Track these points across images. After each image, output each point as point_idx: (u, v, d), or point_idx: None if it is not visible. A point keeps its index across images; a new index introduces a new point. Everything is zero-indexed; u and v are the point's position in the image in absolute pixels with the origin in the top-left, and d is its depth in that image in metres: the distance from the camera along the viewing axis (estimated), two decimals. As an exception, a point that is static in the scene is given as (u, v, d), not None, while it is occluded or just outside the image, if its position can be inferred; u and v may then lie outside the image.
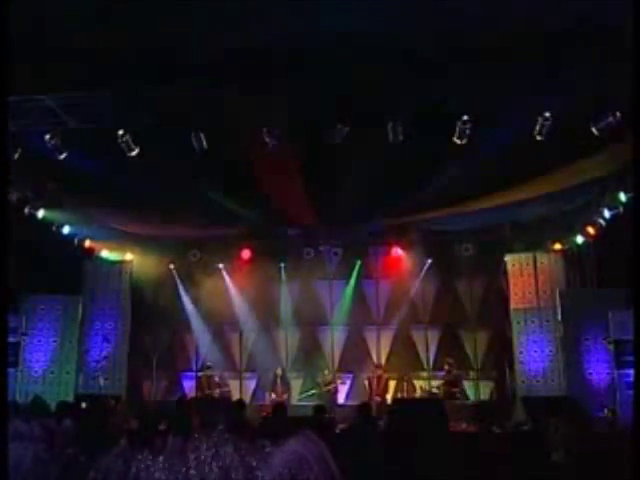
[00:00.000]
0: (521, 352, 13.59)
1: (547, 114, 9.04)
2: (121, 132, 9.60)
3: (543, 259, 14.04)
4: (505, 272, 14.27)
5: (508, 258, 14.23)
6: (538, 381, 13.37)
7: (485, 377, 15.16)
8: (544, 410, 9.81)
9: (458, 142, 9.49)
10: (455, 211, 12.50)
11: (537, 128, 9.22)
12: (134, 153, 9.79)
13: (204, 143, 9.70)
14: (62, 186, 11.55)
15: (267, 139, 9.56)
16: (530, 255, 14.09)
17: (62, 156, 9.91)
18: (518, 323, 13.75)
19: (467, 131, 9.34)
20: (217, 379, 14.82)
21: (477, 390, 15.08)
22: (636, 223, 6.24)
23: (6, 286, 5.07)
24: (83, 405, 10.12)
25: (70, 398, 12.29)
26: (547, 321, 13.57)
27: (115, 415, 10.43)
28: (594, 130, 9.02)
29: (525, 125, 9.27)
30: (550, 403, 11.75)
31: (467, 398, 14.54)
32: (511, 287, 14.02)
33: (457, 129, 9.38)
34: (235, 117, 9.24)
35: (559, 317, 13.12)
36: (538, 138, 9.29)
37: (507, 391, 13.99)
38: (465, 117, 9.22)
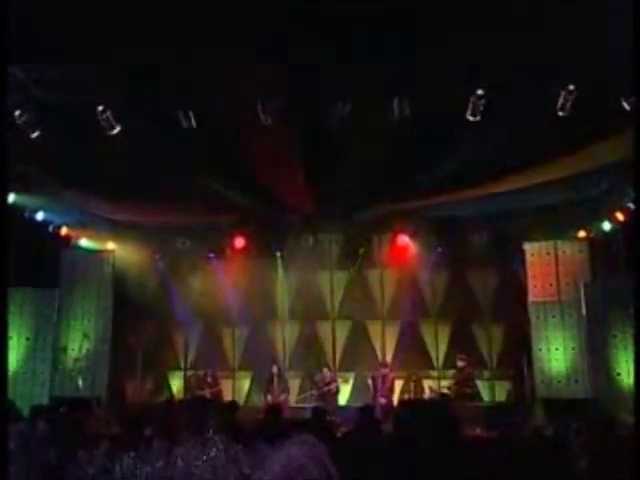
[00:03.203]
0: (540, 349, 13.56)
1: (571, 87, 8.90)
2: (101, 108, 9.54)
3: (566, 248, 13.95)
4: (523, 262, 14.23)
5: (527, 247, 14.14)
6: (559, 382, 13.34)
7: (501, 377, 15.20)
8: (566, 413, 9.80)
9: (471, 119, 9.40)
10: (467, 195, 12.42)
11: (560, 103, 9.09)
12: (115, 131, 9.74)
13: (193, 121, 9.64)
14: (35, 168, 11.46)
15: (262, 116, 9.52)
16: (551, 244, 14.00)
17: (34, 134, 9.86)
18: (537, 318, 13.70)
19: (481, 107, 9.23)
20: (208, 379, 14.85)
21: (492, 391, 15.13)
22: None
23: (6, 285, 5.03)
24: (61, 410, 10.11)
25: (45, 401, 12.29)
26: (570, 316, 13.51)
27: (95, 419, 10.43)
28: (625, 105, 8.89)
29: (546, 99, 9.15)
30: (573, 406, 11.75)
31: (481, 399, 14.58)
32: (530, 279, 13.95)
33: (470, 104, 9.26)
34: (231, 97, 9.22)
35: (583, 312, 13.06)
36: (560, 114, 9.18)
37: (525, 392, 14.00)
38: (480, 91, 9.10)
